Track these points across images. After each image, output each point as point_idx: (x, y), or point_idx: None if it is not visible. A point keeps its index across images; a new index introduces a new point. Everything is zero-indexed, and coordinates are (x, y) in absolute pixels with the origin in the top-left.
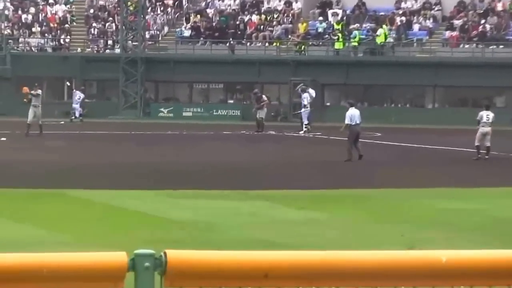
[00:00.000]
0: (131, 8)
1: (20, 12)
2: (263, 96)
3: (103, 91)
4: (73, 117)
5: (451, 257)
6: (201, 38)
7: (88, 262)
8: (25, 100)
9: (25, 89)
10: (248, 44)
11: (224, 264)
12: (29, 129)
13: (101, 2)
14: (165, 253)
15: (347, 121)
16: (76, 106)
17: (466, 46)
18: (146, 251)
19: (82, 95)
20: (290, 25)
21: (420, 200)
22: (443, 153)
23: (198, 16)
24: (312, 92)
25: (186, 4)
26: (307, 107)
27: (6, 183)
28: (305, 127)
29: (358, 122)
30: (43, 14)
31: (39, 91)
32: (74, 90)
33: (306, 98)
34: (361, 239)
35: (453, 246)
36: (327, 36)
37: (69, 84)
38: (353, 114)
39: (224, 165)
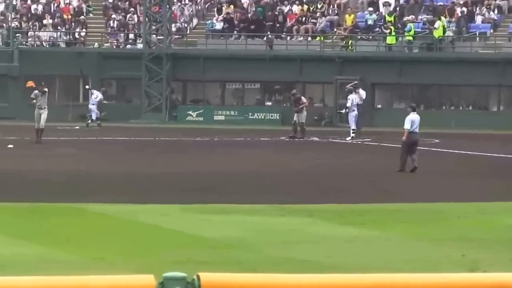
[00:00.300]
0: None
1: (29, 2)
2: (302, 97)
3: (123, 91)
4: (89, 121)
5: None
6: (235, 32)
7: (111, 286)
8: (32, 96)
9: (30, 83)
10: (288, 38)
11: None
12: (40, 134)
13: None
14: (198, 276)
15: (406, 127)
16: (92, 107)
17: None
18: (177, 274)
19: (100, 95)
20: (336, 17)
21: (483, 215)
22: (509, 162)
23: (232, 6)
24: (362, 93)
25: None
26: (352, 110)
27: (12, 196)
28: (352, 133)
29: (417, 130)
30: (56, 5)
31: (45, 89)
32: (91, 89)
33: (350, 100)
34: (416, 260)
35: None
36: (377, 29)
37: (88, 87)
38: (413, 120)
39: (260, 176)
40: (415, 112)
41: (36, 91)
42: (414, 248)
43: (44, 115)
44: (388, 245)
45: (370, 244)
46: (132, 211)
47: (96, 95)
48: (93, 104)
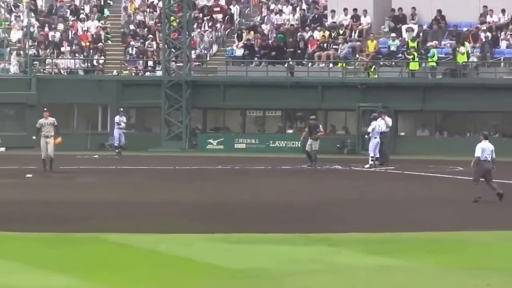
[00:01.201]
0: (174, 23)
1: (47, 29)
2: (320, 125)
3: (142, 119)
4: (118, 150)
5: None
6: (255, 58)
7: None
8: (37, 126)
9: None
10: (309, 65)
11: None
12: (48, 163)
13: (139, 17)
14: None
15: (477, 155)
16: (116, 133)
17: None
18: None
19: (124, 120)
20: (358, 43)
21: (509, 243)
22: None
23: (252, 33)
24: (388, 120)
25: (238, 19)
26: (374, 137)
27: (33, 226)
28: (371, 160)
29: (488, 158)
30: (73, 32)
31: (51, 119)
32: (121, 114)
33: (372, 126)
34: None
35: None
36: (400, 55)
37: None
38: (484, 148)
39: (283, 205)
40: (487, 140)
41: (41, 120)
42: (439, 278)
43: (51, 144)
44: (412, 274)
45: (394, 273)
46: (154, 241)
47: (119, 120)
48: (119, 129)
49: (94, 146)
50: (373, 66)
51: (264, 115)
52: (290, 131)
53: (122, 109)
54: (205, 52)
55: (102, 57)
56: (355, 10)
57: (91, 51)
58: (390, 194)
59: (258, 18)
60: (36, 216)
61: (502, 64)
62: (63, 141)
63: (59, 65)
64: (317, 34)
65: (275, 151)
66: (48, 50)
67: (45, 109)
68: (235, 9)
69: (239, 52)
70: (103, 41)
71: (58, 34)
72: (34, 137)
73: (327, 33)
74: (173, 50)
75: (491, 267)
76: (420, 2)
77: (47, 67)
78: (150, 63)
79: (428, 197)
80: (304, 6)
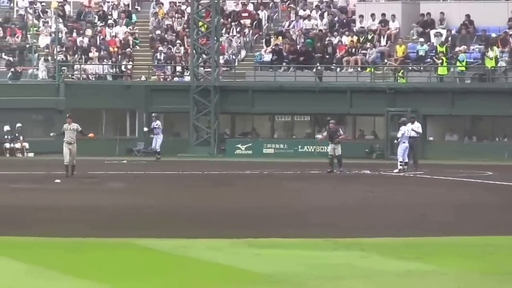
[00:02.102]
0: (202, 29)
1: (75, 34)
2: (340, 129)
3: (171, 125)
4: (158, 156)
5: None
6: (284, 63)
7: None
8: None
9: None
10: (338, 69)
11: None
12: (70, 169)
13: (167, 22)
14: None
15: None
16: (154, 138)
17: None
18: None
19: (159, 124)
20: (387, 48)
21: None
22: None
23: (280, 38)
24: (416, 126)
25: (266, 24)
26: (403, 142)
27: (61, 231)
28: (400, 165)
29: None
30: (102, 37)
31: (74, 125)
32: (155, 120)
33: (401, 131)
34: None
35: None
36: (429, 60)
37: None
38: None
39: (311, 209)
40: None
41: (65, 125)
42: (470, 283)
43: (74, 150)
44: (443, 279)
45: (425, 278)
46: (182, 246)
47: (157, 124)
48: (157, 133)
49: (123, 151)
50: (402, 71)
51: (293, 120)
52: (319, 136)
53: (154, 114)
54: (234, 57)
55: (130, 63)
56: (383, 15)
57: (119, 56)
58: (419, 198)
59: (287, 23)
60: (65, 221)
61: None
62: (90, 146)
63: (87, 70)
64: (346, 39)
65: (304, 156)
66: (76, 56)
67: (68, 114)
68: (263, 14)
69: (268, 57)
70: (131, 46)
71: (86, 40)
72: (53, 133)
73: (355, 38)
74: (202, 56)
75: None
76: (449, 7)
77: (75, 72)
78: (178, 68)
79: (458, 202)
80: (333, 11)
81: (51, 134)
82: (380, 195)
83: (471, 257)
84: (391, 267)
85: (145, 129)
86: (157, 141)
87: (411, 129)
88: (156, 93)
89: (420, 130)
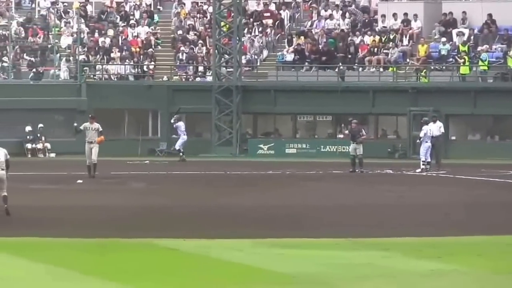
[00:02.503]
0: (224, 29)
1: (97, 35)
2: (363, 129)
3: (193, 125)
4: (182, 155)
5: None
6: (306, 63)
7: None
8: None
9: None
10: (360, 69)
11: None
12: (92, 168)
13: (189, 22)
14: None
15: None
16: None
17: None
18: None
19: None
20: (409, 47)
21: None
22: None
23: (302, 37)
24: (438, 125)
25: (288, 24)
26: (425, 141)
27: (84, 232)
28: (422, 165)
29: None
30: (123, 37)
31: (96, 125)
32: (177, 120)
33: (424, 131)
34: None
35: None
36: (451, 59)
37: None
38: None
39: (333, 209)
40: None
41: (86, 124)
42: (491, 282)
43: (95, 149)
44: (465, 279)
45: (447, 278)
46: (204, 246)
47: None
48: (183, 134)
49: (145, 151)
50: (424, 70)
51: (315, 120)
52: (341, 136)
53: (176, 116)
54: (256, 57)
55: (152, 63)
56: (405, 14)
57: (141, 56)
58: (441, 198)
59: (309, 23)
60: (87, 222)
61: None
62: (112, 147)
63: (109, 70)
64: (368, 39)
65: (326, 156)
66: (98, 56)
67: (90, 115)
68: (285, 14)
69: (290, 57)
70: (153, 46)
71: (108, 40)
72: (76, 124)
73: (377, 37)
74: (224, 56)
75: None
76: (471, 6)
77: (97, 73)
78: (200, 68)
79: (480, 201)
80: (355, 11)
81: (75, 124)
82: (402, 194)
83: (492, 256)
84: (413, 266)
85: (174, 136)
86: (179, 140)
87: (433, 128)
88: (178, 93)
89: (443, 130)
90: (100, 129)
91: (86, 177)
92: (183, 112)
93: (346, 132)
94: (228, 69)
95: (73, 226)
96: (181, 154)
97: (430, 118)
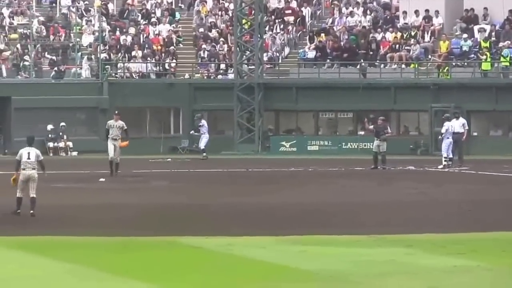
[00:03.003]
0: (246, 26)
1: (118, 33)
2: (388, 126)
3: (215, 122)
4: (205, 154)
5: None
6: (328, 60)
7: None
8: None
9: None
10: (381, 66)
11: None
12: (114, 167)
13: (211, 20)
14: None
15: None
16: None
17: None
18: None
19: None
20: (431, 44)
21: None
22: None
23: (323, 35)
24: (461, 122)
25: (310, 21)
26: (447, 137)
27: (106, 230)
28: (444, 161)
29: None
30: (145, 35)
31: (121, 123)
32: (199, 119)
33: (445, 127)
34: None
35: None
36: (473, 55)
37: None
38: None
39: (355, 206)
40: None
41: (110, 121)
42: None
43: (118, 148)
44: (487, 275)
45: (470, 274)
46: (227, 243)
47: (203, 124)
48: (204, 133)
49: (167, 149)
50: (446, 67)
51: (337, 117)
52: (362, 132)
53: (198, 114)
54: (277, 54)
55: (174, 61)
56: (427, 11)
57: (163, 54)
58: (464, 194)
59: (330, 20)
60: (109, 220)
61: None
62: (135, 145)
63: (130, 69)
64: (389, 36)
65: (348, 152)
66: (119, 54)
67: (116, 112)
68: (306, 11)
69: (311, 54)
70: (174, 44)
71: (129, 38)
72: (108, 135)
73: (399, 34)
74: (245, 53)
75: None
76: (492, 2)
77: (118, 71)
78: (222, 66)
79: (503, 197)
80: (376, 8)
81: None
82: (425, 191)
83: None
84: (436, 263)
85: (192, 132)
86: (203, 139)
87: (455, 125)
88: (200, 91)
89: (466, 127)
90: (125, 127)
91: (108, 175)
92: (206, 110)
93: (371, 127)
94: (249, 67)
95: (95, 225)
96: (204, 154)
97: (451, 114)
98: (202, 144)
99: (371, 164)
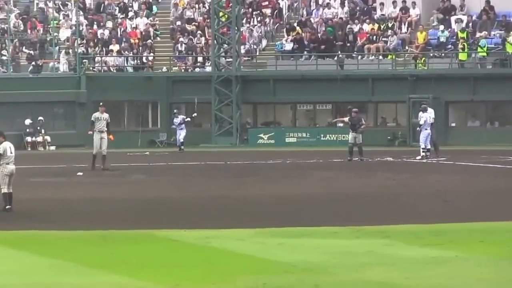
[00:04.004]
0: (223, 19)
1: (95, 27)
2: (363, 118)
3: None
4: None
5: None
6: (305, 52)
7: None
8: (92, 120)
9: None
10: (359, 57)
11: None
12: (102, 160)
13: (188, 13)
14: None
15: None
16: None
17: None
18: None
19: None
20: (408, 35)
21: None
22: None
23: (300, 27)
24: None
25: (287, 13)
26: (425, 129)
27: (84, 224)
28: (422, 152)
29: None
30: (122, 29)
31: (106, 115)
32: (176, 114)
33: (424, 118)
34: (495, 279)
35: None
36: (450, 46)
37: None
38: None
39: (333, 197)
40: None
41: (97, 114)
42: (493, 268)
43: (105, 140)
44: (465, 265)
45: (448, 264)
46: (205, 236)
47: (182, 119)
48: (180, 127)
49: (145, 142)
50: (423, 58)
51: (315, 108)
52: (341, 124)
53: (176, 110)
54: (255, 47)
55: (151, 54)
56: (403, 2)
57: (140, 48)
58: (442, 185)
59: (307, 11)
60: (87, 214)
61: None
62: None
63: (108, 62)
64: (366, 27)
65: (326, 144)
66: (97, 48)
67: (101, 103)
68: (283, 3)
69: (289, 46)
70: (152, 38)
71: (107, 32)
72: (89, 132)
73: (376, 25)
74: (222, 46)
75: None
76: None
77: (96, 65)
78: (200, 59)
79: (481, 188)
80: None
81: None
82: (403, 182)
83: (493, 243)
84: (414, 254)
85: (173, 126)
86: (181, 133)
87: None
88: (177, 84)
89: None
90: (109, 120)
91: (88, 169)
92: (183, 102)
93: (346, 119)
94: (227, 59)
95: (73, 219)
96: (183, 147)
97: (423, 106)
98: (181, 138)
99: (347, 156)
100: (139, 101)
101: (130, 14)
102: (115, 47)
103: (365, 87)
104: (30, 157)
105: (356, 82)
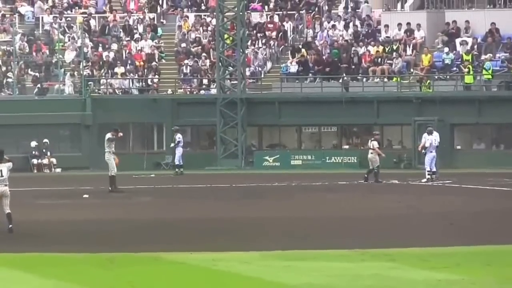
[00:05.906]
0: (228, 41)
1: (100, 49)
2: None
3: (198, 138)
4: (180, 169)
5: None
6: (310, 74)
7: None
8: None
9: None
10: (364, 80)
11: None
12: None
13: (193, 36)
14: None
15: None
16: (178, 153)
17: None
18: None
19: (181, 137)
20: (413, 57)
21: None
22: None
23: (304, 50)
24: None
25: (292, 36)
26: (430, 151)
27: (90, 246)
28: (428, 174)
29: None
30: (127, 51)
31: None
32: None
33: (429, 141)
34: None
35: None
36: (455, 68)
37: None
38: None
39: (340, 221)
40: None
41: (111, 135)
42: None
43: (116, 161)
44: None
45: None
46: (211, 259)
47: (179, 137)
48: (177, 149)
49: (150, 165)
50: (428, 80)
51: (320, 131)
52: (346, 146)
53: (175, 127)
54: (260, 69)
55: (157, 76)
56: (408, 24)
57: (145, 70)
58: (448, 207)
59: (312, 34)
60: (94, 236)
61: None
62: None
63: (113, 85)
64: (371, 49)
65: (332, 167)
66: (102, 70)
67: (117, 128)
68: (288, 25)
69: (294, 68)
70: (157, 60)
71: (112, 54)
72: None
73: (381, 48)
74: (228, 68)
75: None
76: (474, 15)
77: (101, 87)
78: (205, 81)
79: (486, 210)
80: (357, 22)
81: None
82: (409, 205)
83: (500, 265)
84: (420, 277)
85: (172, 145)
86: (176, 154)
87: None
88: (182, 106)
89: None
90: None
91: (94, 191)
92: (188, 125)
93: (375, 142)
94: (232, 82)
95: (80, 241)
96: (177, 170)
97: (429, 128)
98: (178, 159)
99: (355, 178)
100: (145, 124)
101: (135, 36)
102: (120, 70)
103: (370, 109)
104: (36, 179)
105: (361, 105)
